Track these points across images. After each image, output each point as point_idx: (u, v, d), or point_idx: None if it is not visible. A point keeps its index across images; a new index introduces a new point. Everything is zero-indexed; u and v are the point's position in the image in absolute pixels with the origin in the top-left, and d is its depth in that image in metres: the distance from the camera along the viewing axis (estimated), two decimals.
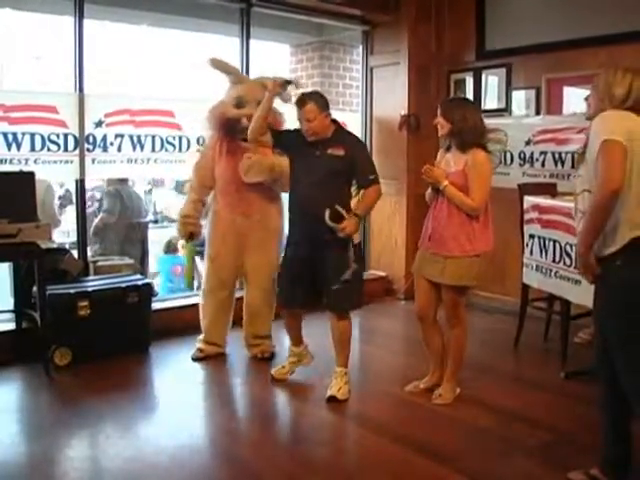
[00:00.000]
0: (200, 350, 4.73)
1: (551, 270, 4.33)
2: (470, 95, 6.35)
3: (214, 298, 4.72)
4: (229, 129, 4.55)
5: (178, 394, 4.15)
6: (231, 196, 4.61)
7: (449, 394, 3.95)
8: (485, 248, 3.83)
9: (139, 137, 5.27)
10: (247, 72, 5.82)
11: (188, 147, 5.48)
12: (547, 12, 5.77)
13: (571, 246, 4.12)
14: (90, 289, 4.66)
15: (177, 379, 4.43)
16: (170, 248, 7.38)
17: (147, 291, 4.88)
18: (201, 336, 4.79)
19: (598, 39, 5.36)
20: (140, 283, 4.89)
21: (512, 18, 6.08)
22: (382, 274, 6.80)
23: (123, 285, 4.79)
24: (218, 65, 4.67)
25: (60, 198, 8.02)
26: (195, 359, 4.69)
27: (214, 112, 4.61)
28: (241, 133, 4.41)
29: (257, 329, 4.74)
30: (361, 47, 6.98)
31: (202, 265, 7.19)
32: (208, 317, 4.76)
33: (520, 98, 6.04)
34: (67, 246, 5.67)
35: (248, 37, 5.90)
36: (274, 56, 8.03)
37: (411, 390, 4.10)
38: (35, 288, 4.38)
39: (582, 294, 4.05)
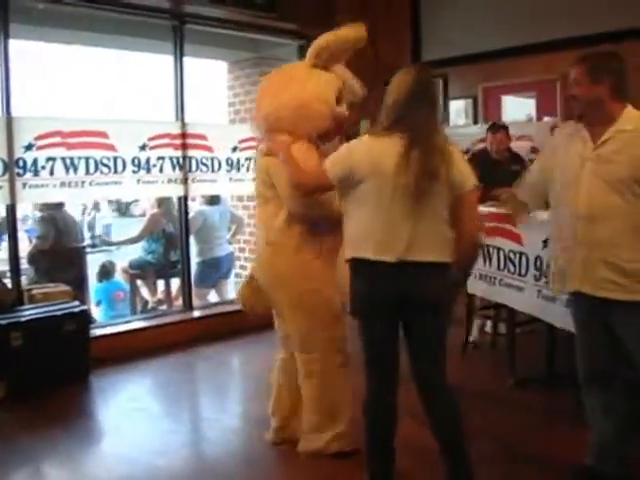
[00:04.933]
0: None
1: (495, 278, 4.31)
2: None
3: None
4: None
5: (119, 425, 4.01)
6: None
7: None
8: None
9: (72, 159, 5.09)
10: (182, 90, 5.73)
11: (124, 168, 5.33)
12: (483, 21, 5.82)
13: (514, 253, 4.11)
14: (23, 319, 4.50)
15: (118, 409, 4.27)
16: (105, 274, 7.03)
17: (84, 318, 4.75)
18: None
19: (535, 47, 5.41)
20: (77, 310, 4.74)
21: (448, 28, 6.12)
22: None
23: (59, 313, 4.64)
24: None
25: None
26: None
27: (333, 111, 3.47)
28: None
29: None
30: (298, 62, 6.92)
31: (145, 288, 6.98)
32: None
33: (458, 108, 6.06)
34: None
35: (182, 55, 5.81)
36: (211, 73, 7.91)
37: None
38: None
39: (526, 301, 4.05)
